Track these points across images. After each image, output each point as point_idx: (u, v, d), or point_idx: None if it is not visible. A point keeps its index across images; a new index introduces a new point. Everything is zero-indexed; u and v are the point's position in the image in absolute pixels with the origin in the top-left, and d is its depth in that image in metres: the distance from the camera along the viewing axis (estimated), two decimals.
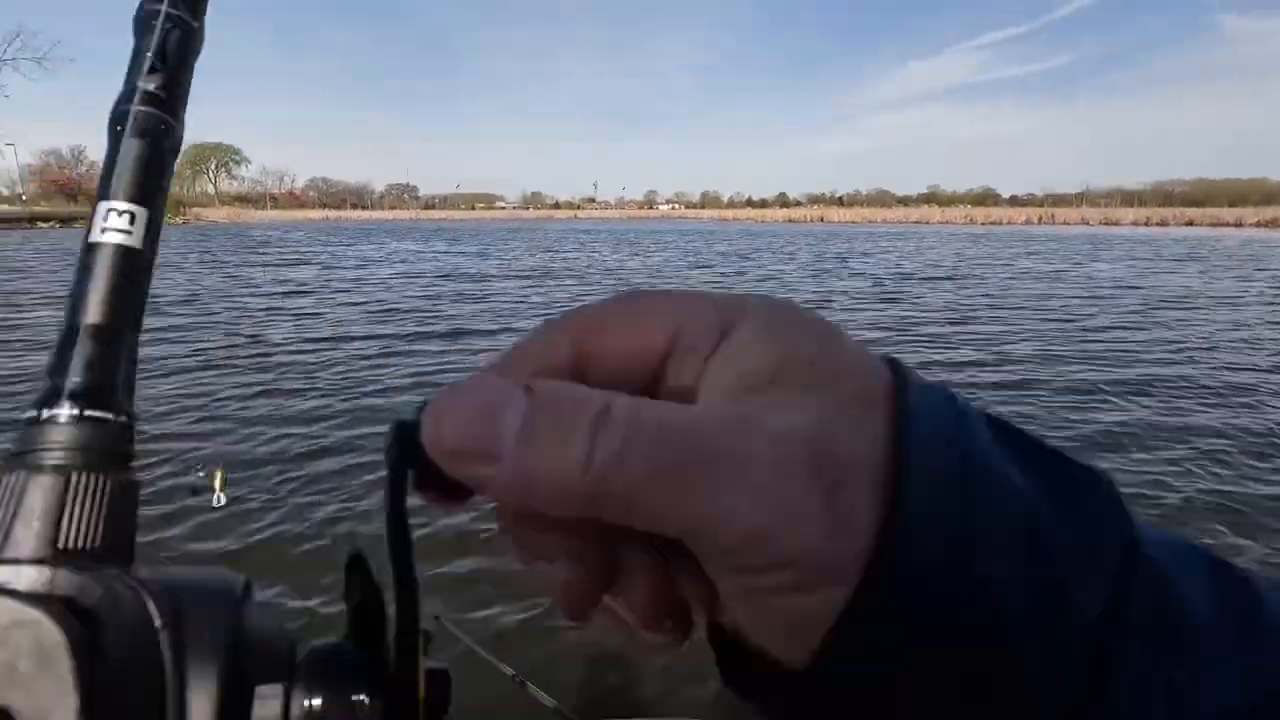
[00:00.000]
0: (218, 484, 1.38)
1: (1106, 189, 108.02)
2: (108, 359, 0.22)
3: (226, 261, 17.32)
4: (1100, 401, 4.83)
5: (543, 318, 0.17)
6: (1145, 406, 4.72)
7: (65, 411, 0.20)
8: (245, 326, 7.81)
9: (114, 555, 0.18)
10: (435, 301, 10.02)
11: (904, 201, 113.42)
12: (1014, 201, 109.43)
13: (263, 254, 20.29)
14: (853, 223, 67.34)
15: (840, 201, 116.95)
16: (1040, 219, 62.16)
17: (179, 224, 53.93)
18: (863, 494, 0.15)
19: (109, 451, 0.20)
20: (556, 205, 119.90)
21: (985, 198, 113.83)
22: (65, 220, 45.17)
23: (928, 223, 64.03)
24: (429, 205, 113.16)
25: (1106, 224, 57.34)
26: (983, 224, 60.27)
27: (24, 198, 58.53)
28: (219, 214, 66.68)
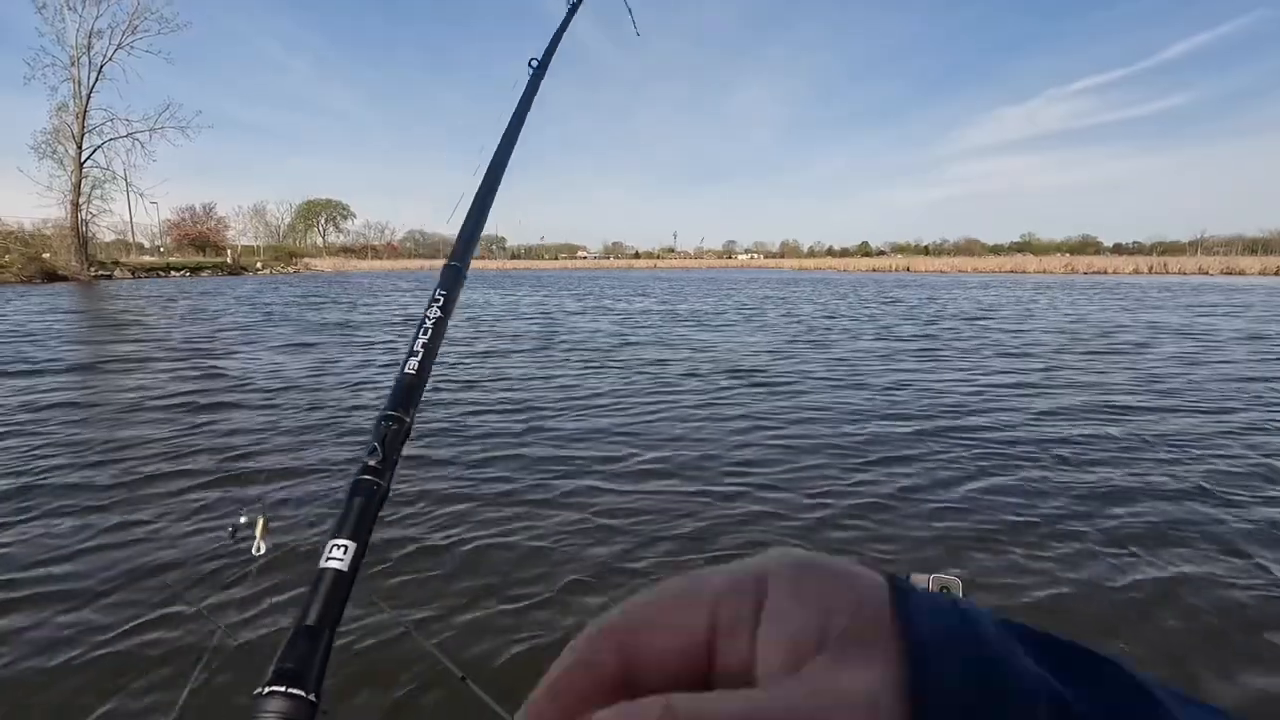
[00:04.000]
0: (258, 531, 1.25)
1: (1225, 237, 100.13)
2: (312, 653, 0.38)
3: (349, 303, 18.57)
4: None
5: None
6: None
7: (277, 688, 0.34)
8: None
9: None
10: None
11: (995, 250, 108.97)
12: (1119, 250, 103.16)
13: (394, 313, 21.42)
14: (940, 272, 65.11)
15: (926, 250, 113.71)
16: (1151, 268, 58.05)
17: (290, 273, 58.42)
18: None
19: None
20: (636, 255, 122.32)
21: (1086, 246, 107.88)
22: (194, 269, 49.90)
23: (1023, 271, 61.00)
24: (515, 255, 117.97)
25: (1228, 273, 52.90)
26: (1085, 273, 56.93)
27: (161, 249, 65.12)
28: (326, 264, 71.75)
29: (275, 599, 2.57)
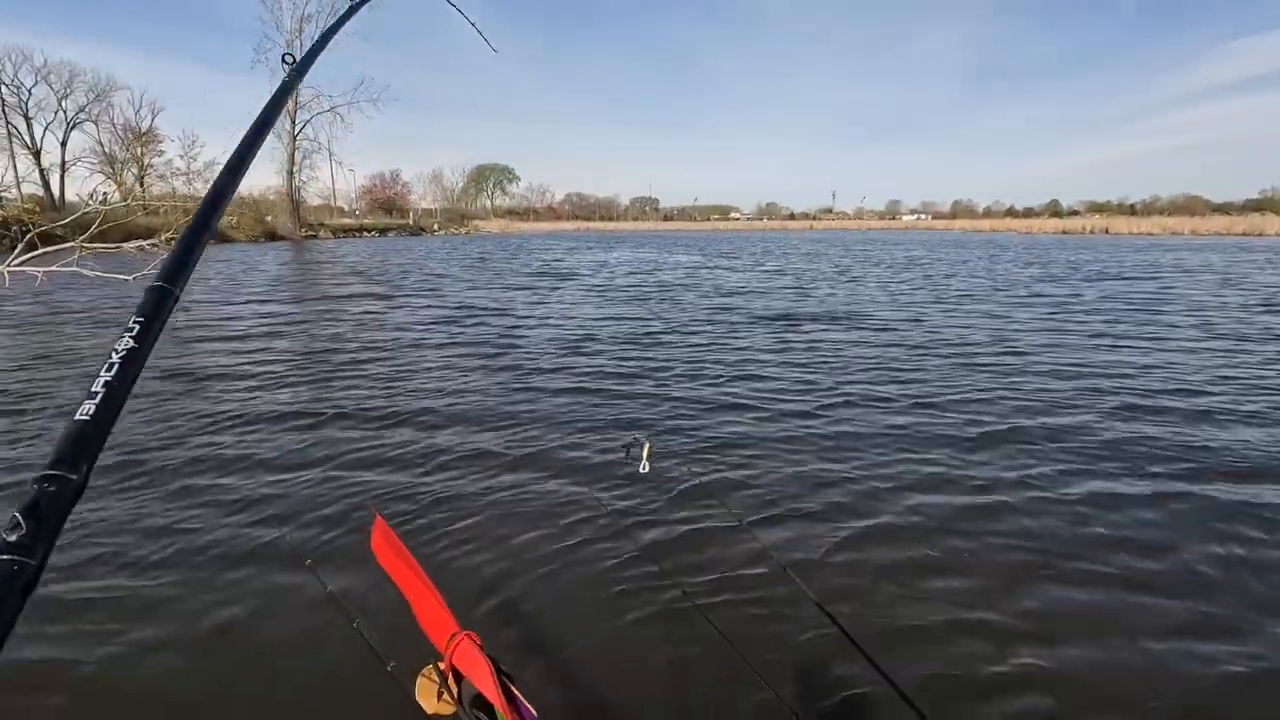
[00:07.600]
0: (645, 453, 1.83)
1: None
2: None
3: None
4: None
5: None
6: None
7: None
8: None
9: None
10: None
11: (1223, 210, 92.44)
12: None
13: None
14: (1148, 234, 56.45)
15: (1132, 210, 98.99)
16: None
17: (463, 234, 63.42)
18: None
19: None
20: (791, 216, 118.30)
21: None
22: (381, 230, 55.99)
23: (1259, 234, 51.07)
24: (668, 217, 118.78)
25: None
26: None
27: (356, 213, 73.25)
28: (493, 225, 76.88)
29: (655, 503, 3.74)
